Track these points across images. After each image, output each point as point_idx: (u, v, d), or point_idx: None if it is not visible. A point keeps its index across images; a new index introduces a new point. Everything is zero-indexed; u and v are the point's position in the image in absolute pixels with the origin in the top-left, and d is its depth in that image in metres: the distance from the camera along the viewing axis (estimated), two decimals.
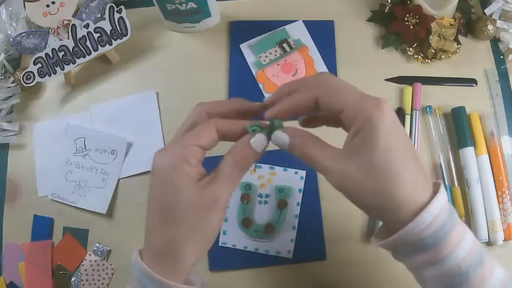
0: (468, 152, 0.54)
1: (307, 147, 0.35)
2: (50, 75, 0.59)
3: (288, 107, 0.36)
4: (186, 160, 0.35)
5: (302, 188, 0.55)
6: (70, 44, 0.58)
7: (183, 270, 0.36)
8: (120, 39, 0.59)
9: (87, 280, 0.55)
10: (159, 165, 0.35)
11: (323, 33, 0.62)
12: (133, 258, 0.37)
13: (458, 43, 0.60)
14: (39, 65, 0.59)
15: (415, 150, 0.35)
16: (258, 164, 0.56)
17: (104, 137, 0.59)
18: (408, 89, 0.58)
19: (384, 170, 0.32)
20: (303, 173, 0.56)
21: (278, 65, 0.60)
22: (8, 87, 0.61)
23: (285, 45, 0.61)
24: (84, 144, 0.59)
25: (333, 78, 0.37)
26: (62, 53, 0.59)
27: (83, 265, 0.55)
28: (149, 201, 0.36)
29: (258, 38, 0.62)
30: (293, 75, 0.60)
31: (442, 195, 0.33)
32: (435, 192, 0.34)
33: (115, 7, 0.58)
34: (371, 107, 0.32)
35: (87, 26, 0.58)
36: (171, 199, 0.35)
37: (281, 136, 0.36)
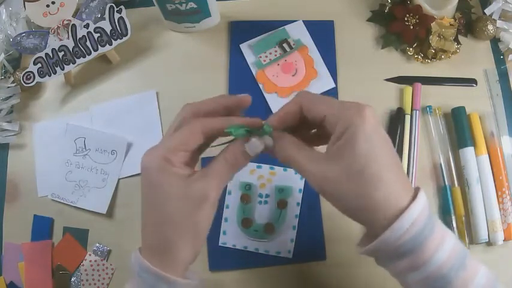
0: (468, 152, 0.54)
1: (289, 150, 0.36)
2: (50, 75, 0.59)
3: (276, 117, 0.37)
4: (171, 163, 0.36)
5: (302, 188, 0.55)
6: (70, 44, 0.58)
7: (179, 264, 0.37)
8: (120, 39, 0.59)
9: (87, 280, 0.55)
10: (145, 166, 0.37)
11: (323, 33, 0.62)
12: (132, 257, 0.38)
13: (458, 43, 0.60)
14: (39, 65, 0.59)
15: (396, 155, 0.35)
16: (258, 164, 0.56)
17: (104, 137, 0.59)
18: (408, 89, 0.58)
19: (363, 174, 0.33)
20: None
21: (278, 65, 0.60)
22: (8, 87, 0.61)
23: (285, 45, 0.61)
24: (84, 144, 0.59)
25: (313, 93, 0.38)
26: (62, 53, 0.59)
27: (83, 265, 0.55)
28: (142, 200, 0.38)
29: (258, 38, 0.62)
30: (293, 75, 0.60)
31: (420, 200, 0.34)
32: (415, 197, 0.34)
33: (115, 7, 0.58)
34: (351, 113, 0.33)
35: (87, 26, 0.58)
36: (159, 197, 0.36)
37: (258, 144, 0.37)
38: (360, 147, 0.33)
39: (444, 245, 0.34)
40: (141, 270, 0.36)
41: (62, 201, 0.57)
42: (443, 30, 0.58)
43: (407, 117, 0.57)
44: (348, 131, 0.33)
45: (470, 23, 0.61)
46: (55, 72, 0.59)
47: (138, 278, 0.37)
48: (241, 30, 0.62)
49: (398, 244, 0.33)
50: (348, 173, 0.33)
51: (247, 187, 0.55)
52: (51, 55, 0.59)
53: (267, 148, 0.37)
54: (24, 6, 0.60)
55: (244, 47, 0.61)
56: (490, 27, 0.59)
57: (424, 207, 0.34)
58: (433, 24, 0.58)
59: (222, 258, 0.54)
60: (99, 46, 0.59)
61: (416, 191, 0.35)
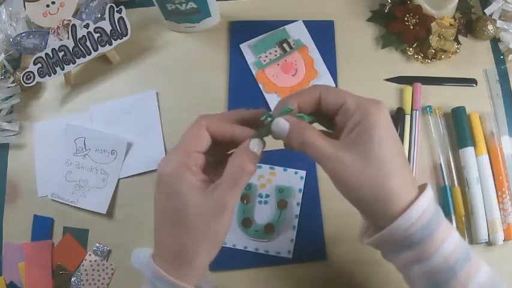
0: (468, 152, 0.54)
1: (307, 135, 0.36)
2: (50, 75, 0.59)
3: (300, 99, 0.37)
4: (189, 168, 0.36)
5: (302, 188, 0.55)
6: (70, 44, 0.58)
7: (194, 273, 0.37)
8: (120, 39, 0.59)
9: (87, 280, 0.55)
10: (163, 174, 0.36)
11: (323, 33, 0.62)
12: (145, 260, 0.37)
13: (458, 43, 0.60)
14: (39, 65, 0.59)
15: (404, 152, 0.36)
16: (258, 164, 0.56)
17: (104, 137, 0.59)
18: (408, 89, 0.58)
19: (380, 162, 0.34)
20: (303, 173, 0.56)
21: (278, 65, 0.60)
22: (8, 87, 0.61)
23: (285, 45, 0.61)
24: (84, 144, 0.59)
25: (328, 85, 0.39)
26: (62, 53, 0.59)
27: (83, 265, 0.55)
28: (156, 207, 0.37)
29: (258, 38, 0.62)
30: (293, 75, 0.60)
31: (429, 193, 0.35)
32: (421, 191, 0.35)
33: (115, 7, 0.58)
34: (371, 104, 0.35)
35: (87, 26, 0.58)
36: (179, 206, 0.36)
37: (282, 123, 0.36)
38: (377, 135, 0.34)
39: (450, 237, 0.35)
40: (156, 278, 0.36)
41: (62, 201, 0.57)
42: (443, 30, 0.58)
43: (407, 117, 0.57)
44: (367, 120, 0.34)
45: (470, 23, 0.61)
46: (55, 72, 0.59)
47: (151, 285, 0.36)
48: (241, 30, 0.62)
49: (406, 234, 0.34)
50: (365, 160, 0.34)
51: (247, 187, 0.55)
52: (51, 55, 0.59)
53: (281, 132, 0.36)
54: (24, 6, 0.60)
55: (244, 47, 0.61)
56: (490, 27, 0.59)
57: (431, 200, 0.35)
58: (433, 24, 0.58)
59: (222, 258, 0.53)
60: (99, 46, 0.59)
61: (423, 186, 0.36)
